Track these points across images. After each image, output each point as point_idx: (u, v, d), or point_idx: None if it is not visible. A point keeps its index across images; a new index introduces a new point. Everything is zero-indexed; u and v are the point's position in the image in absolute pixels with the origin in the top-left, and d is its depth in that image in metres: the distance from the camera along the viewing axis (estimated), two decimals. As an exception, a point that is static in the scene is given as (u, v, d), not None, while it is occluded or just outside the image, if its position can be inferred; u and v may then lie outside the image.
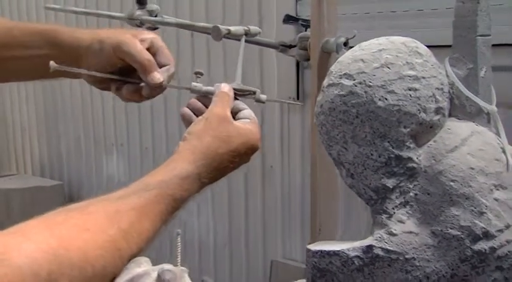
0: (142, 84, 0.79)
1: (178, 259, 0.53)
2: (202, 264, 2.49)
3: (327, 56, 1.09)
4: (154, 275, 0.52)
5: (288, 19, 1.17)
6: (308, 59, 1.13)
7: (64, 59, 0.77)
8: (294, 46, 1.16)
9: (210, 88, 0.78)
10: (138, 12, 0.99)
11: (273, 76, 2.11)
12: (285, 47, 1.17)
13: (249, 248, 2.32)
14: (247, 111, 0.77)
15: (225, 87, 0.77)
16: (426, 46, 0.89)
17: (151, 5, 1.00)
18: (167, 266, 0.52)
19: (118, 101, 3.00)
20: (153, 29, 1.04)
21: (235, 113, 0.76)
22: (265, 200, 2.24)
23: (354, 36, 1.03)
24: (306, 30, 1.15)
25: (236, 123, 0.74)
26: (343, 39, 1.05)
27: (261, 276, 2.30)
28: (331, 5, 1.09)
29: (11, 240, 0.50)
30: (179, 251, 0.53)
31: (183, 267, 0.52)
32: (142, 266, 0.56)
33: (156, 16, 1.01)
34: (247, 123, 0.75)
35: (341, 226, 1.18)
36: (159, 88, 0.78)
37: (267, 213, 2.24)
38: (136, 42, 0.78)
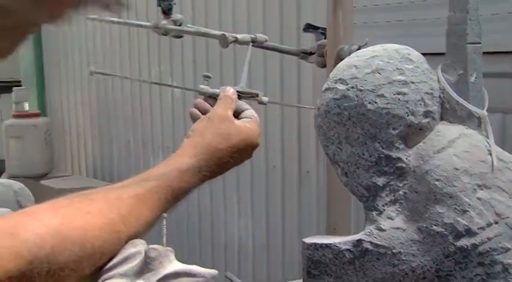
0: None
1: (164, 239, 0.59)
2: (241, 264, 2.56)
3: (342, 62, 1.13)
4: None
5: (308, 27, 1.23)
6: (325, 66, 1.18)
7: None
8: (314, 53, 1.22)
9: (216, 90, 0.85)
10: (163, 22, 1.07)
11: (309, 86, 2.16)
12: (305, 54, 1.23)
13: (286, 251, 2.37)
14: (249, 111, 0.83)
15: (229, 90, 0.83)
16: (433, 54, 0.94)
17: (176, 15, 1.08)
18: (153, 245, 0.59)
19: (165, 107, 3.11)
20: (178, 37, 1.12)
21: (238, 113, 0.83)
22: (301, 204, 2.29)
23: (365, 44, 1.07)
24: (325, 38, 1.21)
25: (237, 122, 0.80)
26: (355, 47, 1.09)
27: (297, 278, 2.35)
28: (346, 13, 1.14)
29: (19, 218, 0.59)
30: (164, 232, 0.59)
31: (168, 247, 0.59)
32: (138, 246, 0.63)
33: (180, 25, 1.09)
34: (247, 122, 0.81)
35: (353, 225, 1.23)
36: None
37: (303, 217, 2.29)
38: None
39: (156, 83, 0.80)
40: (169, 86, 0.92)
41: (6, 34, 0.92)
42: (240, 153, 0.79)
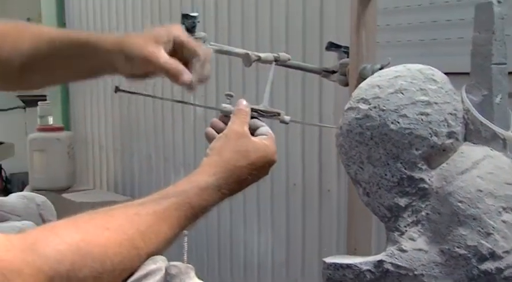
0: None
1: (185, 256, 0.59)
2: (260, 283, 2.55)
3: (365, 82, 1.13)
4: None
5: (331, 46, 1.23)
6: (347, 84, 1.18)
7: (101, 66, 0.85)
8: (336, 72, 1.22)
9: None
10: (187, 40, 1.08)
11: (330, 104, 2.16)
12: (327, 73, 1.23)
13: (305, 269, 2.35)
14: (264, 128, 0.83)
15: (241, 104, 0.83)
16: (455, 73, 0.93)
17: (199, 33, 1.09)
18: (174, 262, 0.59)
19: (187, 124, 3.10)
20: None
21: (253, 130, 0.83)
22: (321, 223, 2.27)
23: (388, 63, 1.07)
24: (347, 57, 1.20)
25: (253, 138, 0.80)
26: (378, 66, 1.09)
27: (316, 298, 2.33)
28: (369, 32, 1.14)
29: (40, 233, 0.59)
30: (186, 249, 0.59)
31: (188, 264, 0.59)
32: (158, 263, 0.63)
33: (203, 43, 1.10)
34: (264, 139, 0.81)
35: (374, 245, 1.21)
36: (192, 87, 0.82)
37: (323, 236, 2.27)
38: (160, 53, 0.80)
39: (179, 101, 0.81)
40: (192, 104, 0.94)
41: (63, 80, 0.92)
42: (258, 170, 0.79)
